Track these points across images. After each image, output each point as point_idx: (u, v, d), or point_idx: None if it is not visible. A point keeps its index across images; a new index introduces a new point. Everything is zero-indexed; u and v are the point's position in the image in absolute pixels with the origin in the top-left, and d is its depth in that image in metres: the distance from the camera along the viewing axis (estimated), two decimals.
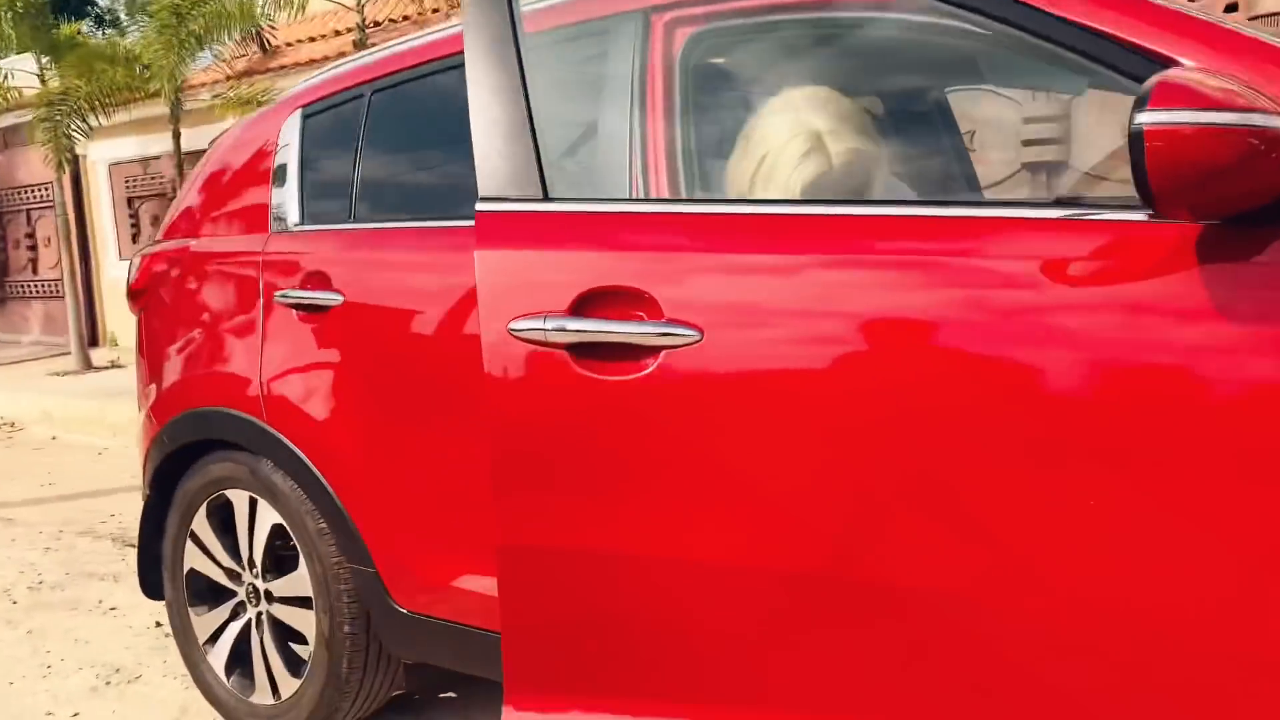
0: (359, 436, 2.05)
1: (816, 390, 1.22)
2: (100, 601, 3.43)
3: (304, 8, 7.54)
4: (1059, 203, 1.42)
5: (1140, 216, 1.20)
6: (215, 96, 8.03)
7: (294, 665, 2.29)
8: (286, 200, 2.30)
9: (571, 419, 1.27)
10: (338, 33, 9.02)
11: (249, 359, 2.23)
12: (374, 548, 2.06)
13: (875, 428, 1.19)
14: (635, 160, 1.53)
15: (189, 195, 2.64)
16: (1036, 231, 1.23)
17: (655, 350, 1.25)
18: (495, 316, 1.28)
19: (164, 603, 3.21)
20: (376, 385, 2.02)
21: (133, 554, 3.95)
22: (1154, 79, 1.04)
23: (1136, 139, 1.01)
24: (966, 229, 1.24)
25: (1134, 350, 1.15)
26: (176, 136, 8.28)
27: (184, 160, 8.44)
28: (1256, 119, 0.98)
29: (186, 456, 2.40)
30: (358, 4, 7.25)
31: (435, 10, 7.52)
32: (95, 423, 6.79)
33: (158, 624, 3.17)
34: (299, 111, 2.35)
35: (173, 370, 2.43)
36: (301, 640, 2.32)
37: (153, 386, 2.50)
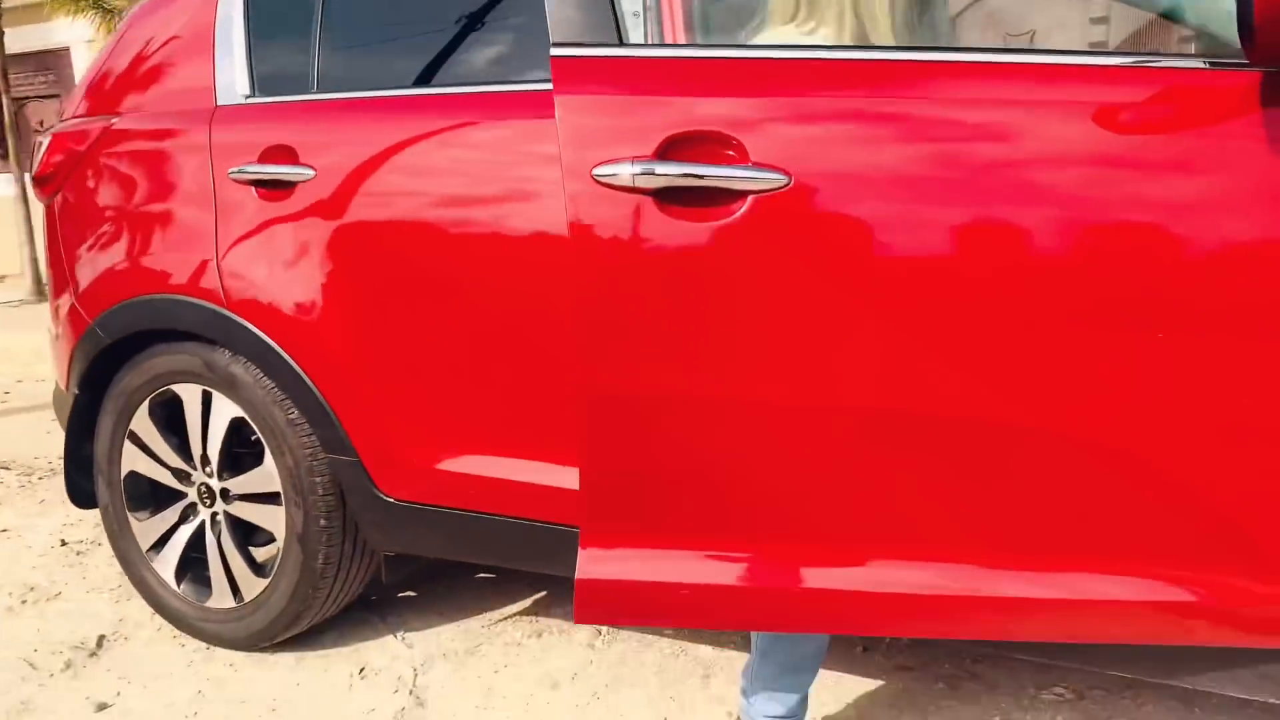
0: (339, 321, 1.94)
1: (904, 237, 1.24)
2: None
3: None
4: (1117, 51, 1.47)
5: (1200, 64, 1.26)
6: None
7: (255, 566, 2.19)
8: (233, 71, 2.12)
9: (658, 264, 1.24)
10: None
11: (201, 241, 2.07)
12: (356, 436, 1.97)
13: (959, 273, 1.22)
14: None
15: (102, 68, 2.40)
16: (1098, 79, 1.28)
17: (743, 195, 1.23)
18: (579, 161, 1.23)
19: (68, 520, 3.05)
20: (358, 265, 1.91)
21: (8, 475, 3.68)
22: None
23: None
24: (1033, 74, 1.28)
25: (1202, 187, 1.23)
26: None
27: (7, 63, 7.66)
28: None
29: (121, 351, 2.22)
30: None
31: None
32: None
33: (63, 542, 2.95)
34: None
35: (103, 258, 2.22)
36: (262, 541, 2.22)
37: (77, 277, 2.28)
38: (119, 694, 2.08)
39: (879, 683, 2.02)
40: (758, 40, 1.40)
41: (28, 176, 7.94)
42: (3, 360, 6.21)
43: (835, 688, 1.99)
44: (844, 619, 1.33)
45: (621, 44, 1.28)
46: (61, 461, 2.37)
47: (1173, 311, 1.24)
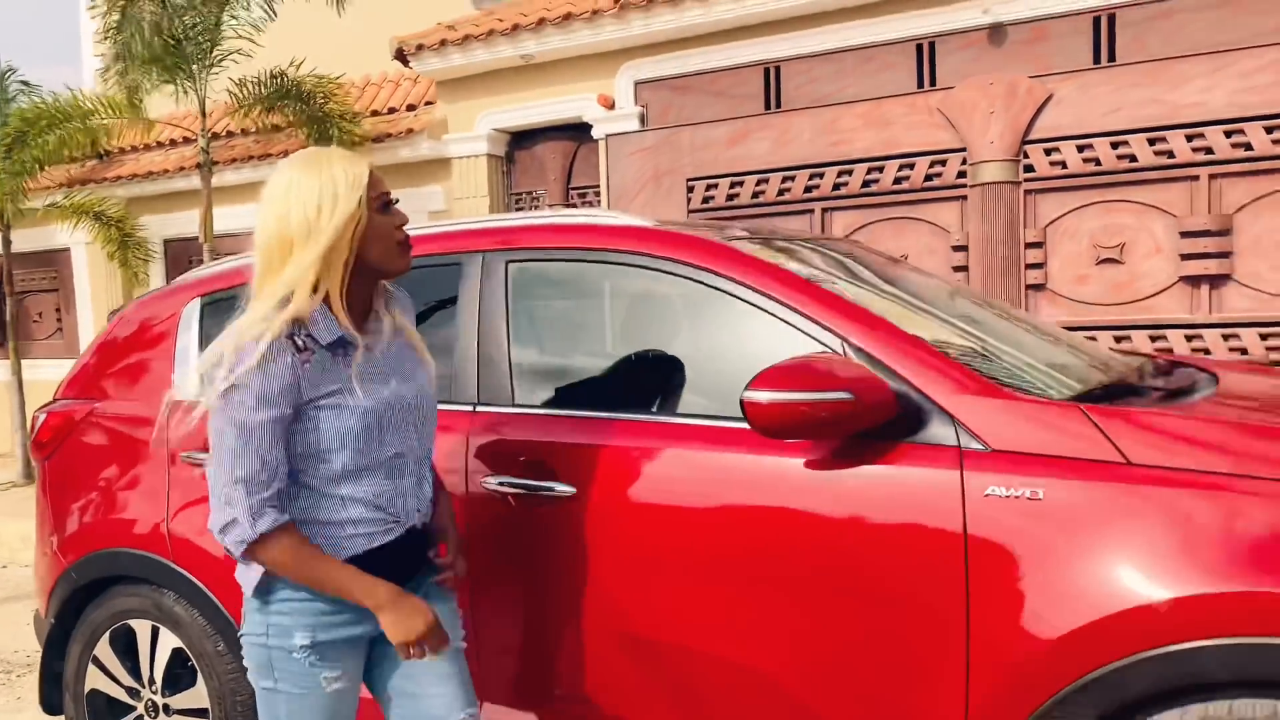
0: None
1: (636, 522, 2.02)
2: None
3: (151, 129, 7.83)
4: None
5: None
6: (49, 205, 8.16)
7: None
8: (187, 374, 2.78)
9: (513, 535, 2.15)
10: (174, 142, 9.21)
11: (155, 508, 2.68)
12: None
13: (672, 546, 1.99)
14: None
15: (89, 359, 3.07)
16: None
17: (554, 497, 2.11)
18: (479, 474, 2.19)
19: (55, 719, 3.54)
20: None
21: None
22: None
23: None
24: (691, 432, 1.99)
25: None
26: (7, 245, 8.34)
27: (12, 264, 8.46)
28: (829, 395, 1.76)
29: (91, 589, 2.80)
30: (201, 118, 7.58)
31: (277, 128, 7.93)
32: None
33: None
34: (199, 300, 2.85)
35: (80, 515, 2.83)
36: None
37: (60, 528, 2.88)
38: None
39: None
40: None
41: (24, 364, 8.64)
42: None
43: None
44: None
45: (513, 404, 2.19)
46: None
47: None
